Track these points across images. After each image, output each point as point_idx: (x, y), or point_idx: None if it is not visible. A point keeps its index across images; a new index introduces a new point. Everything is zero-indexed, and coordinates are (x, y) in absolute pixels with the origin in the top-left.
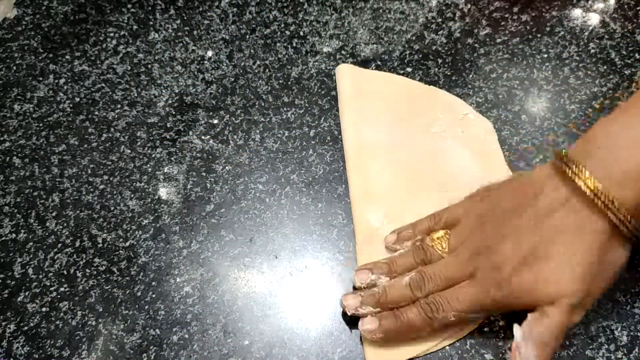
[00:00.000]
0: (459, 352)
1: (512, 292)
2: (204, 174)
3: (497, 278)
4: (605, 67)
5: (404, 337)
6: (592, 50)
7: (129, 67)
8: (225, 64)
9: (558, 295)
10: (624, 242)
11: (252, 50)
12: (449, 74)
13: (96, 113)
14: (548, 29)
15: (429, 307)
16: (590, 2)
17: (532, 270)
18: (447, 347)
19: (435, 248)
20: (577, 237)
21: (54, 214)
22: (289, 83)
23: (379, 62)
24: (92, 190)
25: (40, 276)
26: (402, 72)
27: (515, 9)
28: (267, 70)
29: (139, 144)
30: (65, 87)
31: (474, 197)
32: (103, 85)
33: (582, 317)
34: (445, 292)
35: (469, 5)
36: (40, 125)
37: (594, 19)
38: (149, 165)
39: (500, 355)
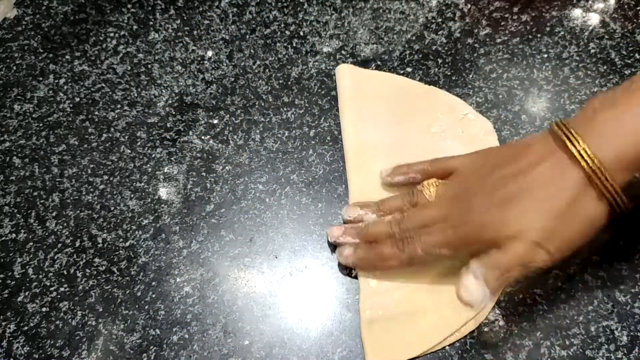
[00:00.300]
0: (459, 352)
1: (480, 227)
2: (204, 174)
3: (468, 216)
4: (605, 67)
5: (375, 267)
6: (592, 50)
7: (129, 67)
8: (225, 64)
9: (522, 230)
10: (600, 200)
11: (252, 50)
12: (449, 74)
13: (96, 113)
14: (548, 29)
15: (400, 238)
16: (590, 2)
17: (502, 211)
18: (447, 347)
19: (424, 193)
20: (552, 185)
21: (54, 214)
22: (289, 83)
23: (379, 62)
24: (92, 190)
25: (40, 276)
26: (402, 72)
27: (515, 9)
28: (267, 70)
29: (139, 144)
30: (65, 87)
31: (475, 152)
32: (103, 85)
33: (543, 264)
34: (418, 229)
35: (469, 5)
36: (40, 125)
37: (594, 19)
38: (149, 165)
39: (500, 355)
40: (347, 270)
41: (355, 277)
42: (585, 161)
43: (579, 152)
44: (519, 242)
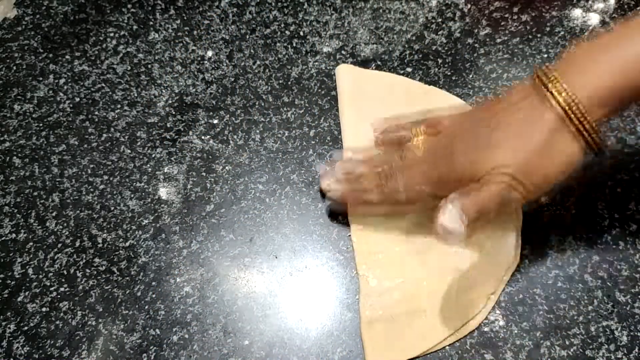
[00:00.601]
0: (459, 352)
1: (460, 167)
2: (204, 174)
3: (448, 156)
4: None
5: (357, 199)
6: None
7: (129, 67)
8: (225, 64)
9: (499, 165)
10: (575, 137)
11: (252, 50)
12: (449, 74)
13: (96, 113)
14: (548, 29)
15: (385, 175)
16: (590, 2)
17: (482, 150)
18: (447, 347)
19: (412, 148)
20: (530, 123)
21: (54, 214)
22: (289, 83)
23: (379, 62)
24: (92, 190)
25: (40, 276)
26: (402, 72)
27: (515, 9)
28: (267, 70)
29: (139, 144)
30: (65, 87)
31: (463, 112)
32: (103, 85)
33: (520, 197)
34: (402, 170)
35: (469, 5)
36: (40, 125)
37: (594, 19)
38: (149, 165)
39: (500, 355)
40: (347, 270)
41: (355, 277)
42: (563, 98)
43: (557, 90)
44: (496, 178)
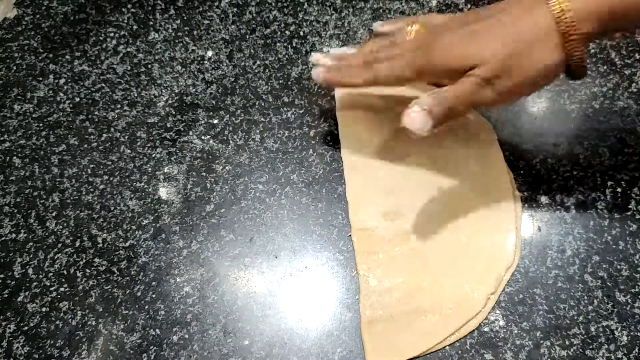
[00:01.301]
0: (459, 352)
1: (440, 56)
2: (204, 174)
3: (432, 43)
4: (605, 67)
5: (341, 81)
6: (592, 50)
7: (129, 67)
8: (225, 64)
9: (476, 61)
10: (558, 48)
11: (252, 50)
12: None
13: (96, 113)
14: None
15: (370, 60)
16: None
17: (465, 44)
18: (447, 347)
19: (405, 30)
20: (519, 23)
21: (54, 214)
22: (289, 83)
23: None
24: (92, 190)
25: (40, 276)
26: None
27: None
28: (267, 70)
29: (139, 144)
30: (65, 87)
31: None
32: (103, 85)
33: (489, 101)
34: (388, 56)
35: (469, 5)
36: (40, 125)
37: None
38: (149, 165)
39: (500, 355)
40: (347, 270)
41: (355, 277)
42: (559, 5)
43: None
44: (470, 79)
